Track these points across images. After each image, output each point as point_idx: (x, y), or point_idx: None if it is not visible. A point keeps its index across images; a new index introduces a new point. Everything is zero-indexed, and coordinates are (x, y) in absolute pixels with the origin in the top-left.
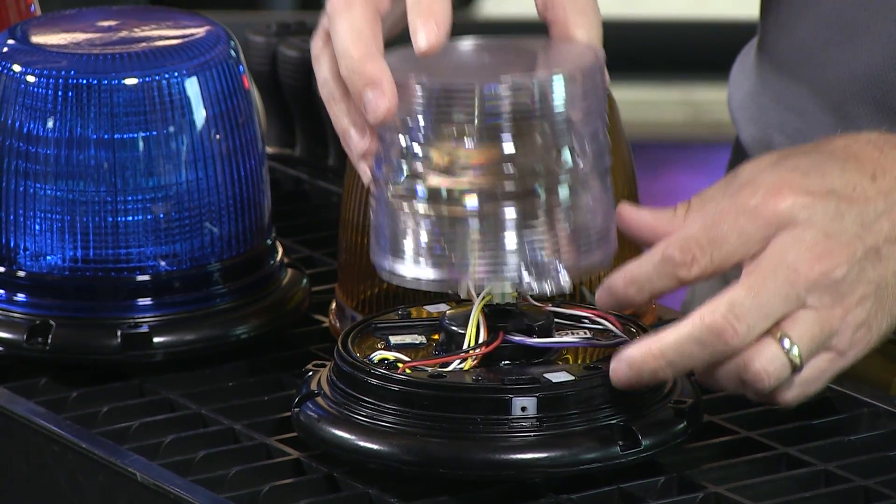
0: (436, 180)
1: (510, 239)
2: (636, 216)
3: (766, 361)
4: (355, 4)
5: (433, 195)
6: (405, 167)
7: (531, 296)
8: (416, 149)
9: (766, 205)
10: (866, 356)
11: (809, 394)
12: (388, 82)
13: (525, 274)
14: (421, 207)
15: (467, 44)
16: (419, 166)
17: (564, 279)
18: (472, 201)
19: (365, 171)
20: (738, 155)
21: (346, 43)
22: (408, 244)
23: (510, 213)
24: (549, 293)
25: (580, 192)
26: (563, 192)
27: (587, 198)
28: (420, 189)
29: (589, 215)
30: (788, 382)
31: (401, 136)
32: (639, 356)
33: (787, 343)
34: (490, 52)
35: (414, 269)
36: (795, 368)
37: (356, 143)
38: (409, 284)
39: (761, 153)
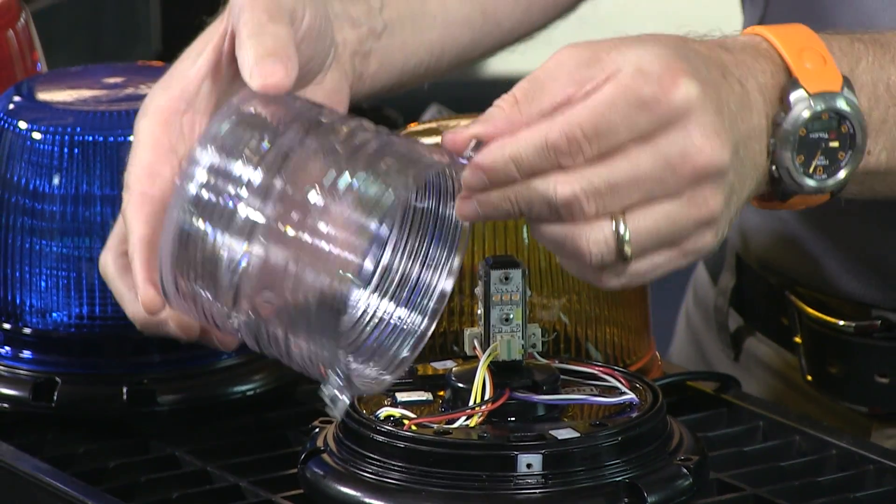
0: None
1: None
2: (467, 131)
3: (594, 241)
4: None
5: None
6: None
7: (538, 352)
8: None
9: (664, 95)
10: (836, 426)
11: (637, 284)
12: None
13: None
14: None
15: None
16: None
17: None
18: None
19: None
20: None
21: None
22: None
23: None
24: None
25: None
26: None
27: None
28: None
29: None
30: (616, 269)
31: None
32: (490, 154)
33: (622, 229)
34: None
35: None
36: (624, 259)
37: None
38: None
39: None
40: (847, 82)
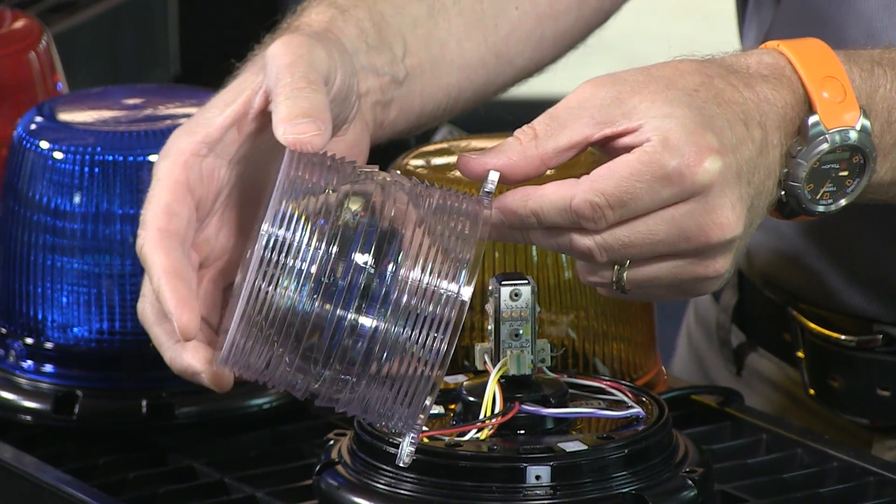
0: None
1: None
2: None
3: (597, 277)
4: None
5: None
6: None
7: (547, 367)
8: None
9: (688, 171)
10: (838, 438)
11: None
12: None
13: None
14: None
15: None
16: None
17: None
18: None
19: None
20: None
21: (159, 288)
22: None
23: None
24: None
25: None
26: None
27: None
28: None
29: None
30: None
31: None
32: (513, 203)
33: (622, 275)
34: None
35: None
36: (623, 293)
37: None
38: None
39: None
40: (864, 113)
